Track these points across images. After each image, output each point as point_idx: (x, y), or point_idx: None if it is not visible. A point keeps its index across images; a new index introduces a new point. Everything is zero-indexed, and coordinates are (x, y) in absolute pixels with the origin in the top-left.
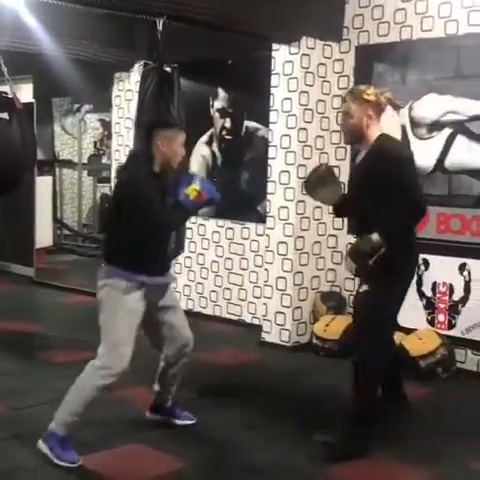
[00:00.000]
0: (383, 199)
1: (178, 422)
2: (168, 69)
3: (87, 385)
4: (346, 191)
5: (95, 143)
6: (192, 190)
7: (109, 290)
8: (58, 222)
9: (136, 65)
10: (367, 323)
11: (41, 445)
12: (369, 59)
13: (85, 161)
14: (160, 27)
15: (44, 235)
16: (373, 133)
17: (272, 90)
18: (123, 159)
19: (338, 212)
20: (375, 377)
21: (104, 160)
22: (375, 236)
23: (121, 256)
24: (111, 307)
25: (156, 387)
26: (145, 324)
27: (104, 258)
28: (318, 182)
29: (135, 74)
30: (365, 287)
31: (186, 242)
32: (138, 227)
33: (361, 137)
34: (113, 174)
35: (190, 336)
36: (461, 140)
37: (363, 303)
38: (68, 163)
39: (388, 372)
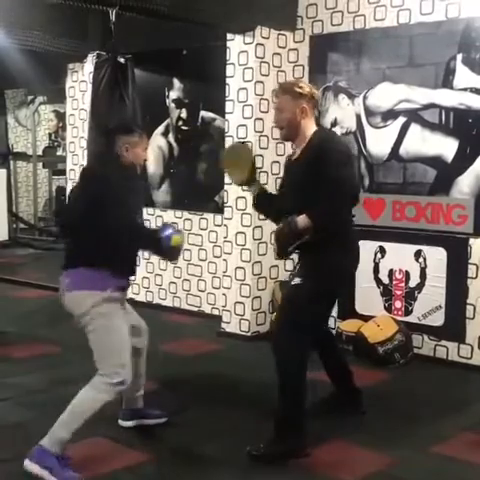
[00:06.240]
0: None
1: (150, 422)
2: (122, 60)
3: (92, 405)
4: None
5: (50, 135)
6: (177, 239)
7: (105, 304)
8: (13, 215)
9: (89, 56)
10: (288, 319)
11: (29, 465)
12: (323, 48)
13: (40, 153)
14: (113, 17)
15: None
16: (308, 128)
17: (227, 80)
18: (78, 151)
19: (258, 206)
20: (293, 378)
21: (59, 152)
22: (302, 218)
23: (103, 259)
24: (111, 324)
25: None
26: None
27: (79, 262)
28: (234, 159)
29: (89, 65)
30: (297, 280)
31: None
32: (113, 229)
33: (297, 132)
34: (68, 166)
35: (146, 327)
36: (415, 128)
37: (290, 297)
38: (22, 155)
39: (335, 368)
